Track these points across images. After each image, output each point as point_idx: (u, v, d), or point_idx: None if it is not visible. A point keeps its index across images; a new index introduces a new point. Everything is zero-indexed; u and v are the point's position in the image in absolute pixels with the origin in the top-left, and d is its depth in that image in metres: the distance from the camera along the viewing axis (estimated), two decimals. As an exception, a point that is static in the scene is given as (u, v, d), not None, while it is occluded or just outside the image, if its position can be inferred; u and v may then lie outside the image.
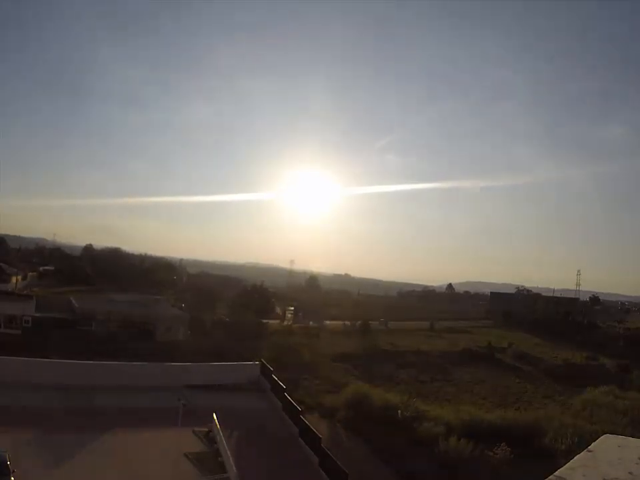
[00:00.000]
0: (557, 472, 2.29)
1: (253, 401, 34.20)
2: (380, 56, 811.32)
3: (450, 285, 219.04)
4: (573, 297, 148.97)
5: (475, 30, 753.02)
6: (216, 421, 26.60)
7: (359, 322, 76.95)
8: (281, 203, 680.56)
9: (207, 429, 26.82)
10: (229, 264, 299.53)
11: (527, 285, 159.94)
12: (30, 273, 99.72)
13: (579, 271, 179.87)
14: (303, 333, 66.50)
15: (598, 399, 42.56)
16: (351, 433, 31.30)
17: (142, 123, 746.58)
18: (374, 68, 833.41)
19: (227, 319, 65.61)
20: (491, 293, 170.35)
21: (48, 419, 25.40)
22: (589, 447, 2.63)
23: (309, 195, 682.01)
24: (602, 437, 2.80)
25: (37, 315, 50.20)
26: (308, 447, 26.81)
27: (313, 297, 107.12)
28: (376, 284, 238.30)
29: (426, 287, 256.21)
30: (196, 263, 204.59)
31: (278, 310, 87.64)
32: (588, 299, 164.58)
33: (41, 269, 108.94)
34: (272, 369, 38.21)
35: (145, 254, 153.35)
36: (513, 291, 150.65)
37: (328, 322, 78.85)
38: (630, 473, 2.29)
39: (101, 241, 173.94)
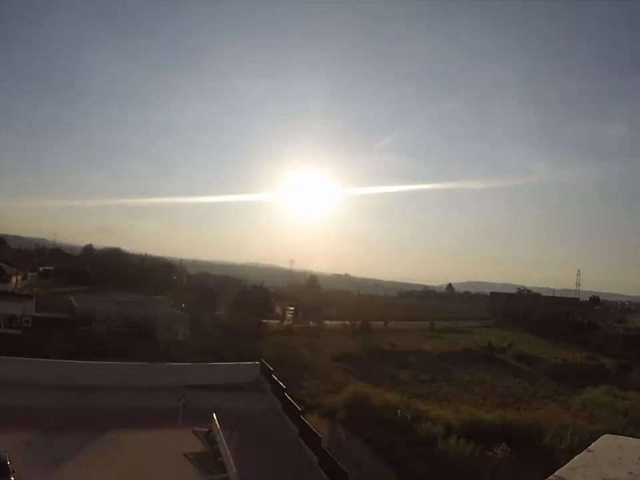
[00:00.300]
0: (557, 472, 2.30)
1: (252, 401, 34.22)
2: (380, 56, 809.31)
3: (450, 285, 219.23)
4: (573, 297, 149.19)
5: (475, 30, 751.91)
6: (216, 421, 26.61)
7: (359, 322, 77.00)
8: (280, 203, 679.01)
9: (207, 429, 26.84)
10: (229, 264, 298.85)
11: (527, 285, 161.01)
12: (30, 273, 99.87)
13: (579, 271, 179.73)
14: (302, 333, 66.53)
15: (598, 398, 42.50)
16: (351, 433, 31.26)
17: (141, 122, 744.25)
18: (374, 68, 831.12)
19: (227, 319, 65.60)
20: (491, 293, 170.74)
21: (48, 419, 25.39)
22: (589, 447, 2.63)
23: (309, 195, 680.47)
24: (602, 437, 2.81)
25: (37, 314, 50.19)
26: (308, 447, 26.81)
27: (313, 297, 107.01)
28: (376, 284, 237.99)
29: (426, 287, 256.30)
30: (196, 263, 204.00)
31: (278, 310, 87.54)
32: (588, 299, 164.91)
33: (41, 269, 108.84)
34: (272, 368, 38.24)
35: (145, 254, 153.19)
36: (513, 290, 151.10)
37: (328, 322, 78.80)
38: (630, 472, 2.29)
39: (101, 241, 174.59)
